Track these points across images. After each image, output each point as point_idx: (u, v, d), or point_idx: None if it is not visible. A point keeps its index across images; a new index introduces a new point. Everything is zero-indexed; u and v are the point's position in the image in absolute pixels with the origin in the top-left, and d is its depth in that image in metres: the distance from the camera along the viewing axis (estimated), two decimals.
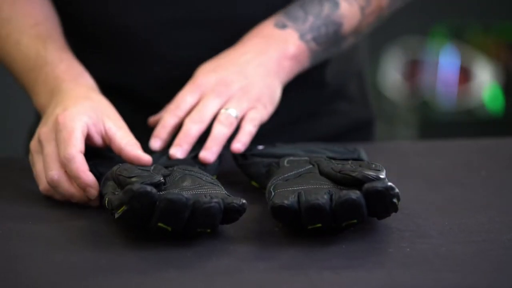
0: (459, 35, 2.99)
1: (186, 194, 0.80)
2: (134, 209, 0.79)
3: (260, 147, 0.99)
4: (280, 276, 0.74)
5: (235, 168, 0.98)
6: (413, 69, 3.01)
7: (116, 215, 0.80)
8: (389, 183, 0.80)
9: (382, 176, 0.82)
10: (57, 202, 0.93)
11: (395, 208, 0.81)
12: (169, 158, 0.96)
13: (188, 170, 0.90)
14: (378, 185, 0.80)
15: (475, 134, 2.81)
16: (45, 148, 0.92)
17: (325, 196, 0.80)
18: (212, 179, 0.90)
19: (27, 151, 1.23)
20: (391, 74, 3.03)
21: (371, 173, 0.83)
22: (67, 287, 0.73)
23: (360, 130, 1.22)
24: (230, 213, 0.81)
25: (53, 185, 0.91)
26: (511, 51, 2.98)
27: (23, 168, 1.05)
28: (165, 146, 0.97)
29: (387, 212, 0.82)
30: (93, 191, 0.89)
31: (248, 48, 1.03)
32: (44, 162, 0.92)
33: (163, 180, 0.85)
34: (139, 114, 1.11)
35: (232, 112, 0.97)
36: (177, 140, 0.96)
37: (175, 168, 0.90)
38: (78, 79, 1.01)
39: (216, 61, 1.03)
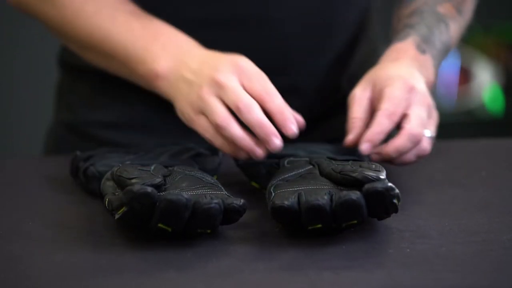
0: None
1: (186, 194, 0.80)
2: (134, 210, 0.79)
3: None
4: (280, 277, 0.74)
5: (235, 168, 0.98)
6: None
7: (116, 216, 0.80)
8: (389, 184, 0.80)
9: (382, 177, 0.83)
10: (57, 202, 0.93)
11: (395, 209, 0.81)
12: (172, 156, 0.96)
13: (188, 171, 0.90)
14: (378, 185, 0.80)
15: (475, 135, 2.81)
16: (229, 87, 0.91)
17: (325, 197, 0.80)
18: (212, 179, 0.90)
19: (46, 150, 1.23)
20: None
21: (371, 173, 0.83)
22: (67, 287, 0.73)
23: None
24: (230, 214, 0.81)
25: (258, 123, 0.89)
26: (511, 51, 2.98)
27: (23, 168, 1.05)
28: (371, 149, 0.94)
29: (387, 212, 0.82)
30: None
31: (411, 70, 1.01)
32: (235, 106, 0.90)
33: (163, 181, 0.85)
34: (162, 115, 1.11)
35: (428, 134, 0.96)
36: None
37: (175, 168, 0.90)
38: (198, 45, 1.01)
39: (402, 71, 0.99)
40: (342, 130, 1.18)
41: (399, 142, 0.93)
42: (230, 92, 0.91)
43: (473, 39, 2.99)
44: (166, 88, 0.99)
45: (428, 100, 0.97)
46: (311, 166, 0.90)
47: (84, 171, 0.94)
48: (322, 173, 0.88)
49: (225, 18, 1.10)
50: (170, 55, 0.99)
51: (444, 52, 1.08)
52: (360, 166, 0.86)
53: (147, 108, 1.10)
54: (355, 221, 0.80)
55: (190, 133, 0.99)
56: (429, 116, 0.97)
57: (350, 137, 0.95)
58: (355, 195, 0.79)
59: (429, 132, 0.96)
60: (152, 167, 0.89)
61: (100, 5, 1.05)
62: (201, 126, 0.94)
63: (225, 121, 0.91)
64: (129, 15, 1.04)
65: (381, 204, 0.80)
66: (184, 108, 0.95)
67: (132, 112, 1.15)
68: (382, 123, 0.93)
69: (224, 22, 1.10)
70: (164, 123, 1.09)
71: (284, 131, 0.90)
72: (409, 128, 0.93)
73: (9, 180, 1.02)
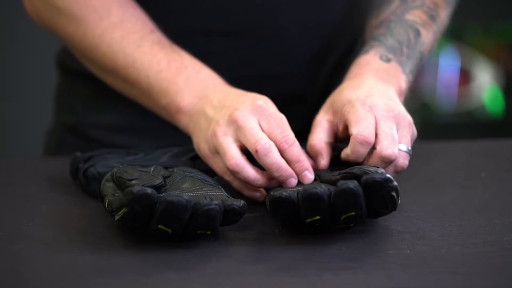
0: (459, 37, 2.99)
1: (186, 196, 0.80)
2: (134, 211, 0.79)
3: None
4: (280, 278, 0.74)
5: None
6: None
7: (116, 217, 0.80)
8: (388, 175, 0.80)
9: (380, 171, 0.83)
10: (57, 203, 0.93)
11: (393, 203, 0.81)
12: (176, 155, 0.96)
13: (188, 172, 0.90)
14: (376, 176, 0.80)
15: (475, 136, 2.81)
16: (248, 128, 0.89)
17: (324, 187, 0.80)
18: (212, 180, 0.90)
19: (46, 152, 1.23)
20: None
21: (370, 168, 0.83)
22: None
23: None
24: (230, 215, 0.81)
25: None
26: (511, 52, 2.98)
27: (23, 169, 1.05)
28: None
29: (386, 206, 0.81)
30: (309, 176, 0.89)
31: (377, 84, 0.99)
32: (251, 140, 0.89)
33: (163, 182, 0.85)
34: (160, 120, 1.12)
35: (404, 148, 0.94)
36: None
37: (175, 170, 0.90)
38: (221, 80, 1.00)
39: (359, 92, 0.97)
40: None
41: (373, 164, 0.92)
42: (248, 134, 0.89)
43: (473, 40, 2.99)
44: (186, 122, 0.98)
45: (394, 111, 0.94)
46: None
47: (84, 172, 0.94)
48: (322, 181, 0.88)
49: (226, 28, 1.10)
50: (194, 90, 0.98)
51: (417, 58, 1.06)
52: (359, 166, 0.86)
53: (146, 111, 1.10)
54: (353, 213, 0.80)
55: (189, 136, 0.99)
56: (400, 127, 0.94)
57: (323, 162, 0.92)
58: (352, 183, 0.79)
59: (404, 146, 0.93)
60: (152, 168, 0.89)
61: (126, 31, 1.03)
62: (217, 165, 0.93)
63: (238, 166, 0.89)
64: (155, 44, 1.03)
65: (380, 196, 0.80)
66: (201, 144, 0.94)
67: (132, 114, 1.15)
68: (357, 151, 0.90)
69: (225, 32, 1.10)
70: (163, 126, 1.09)
71: (301, 179, 0.89)
72: (379, 150, 0.90)
73: (10, 181, 1.02)
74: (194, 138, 0.96)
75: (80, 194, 0.96)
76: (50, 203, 0.94)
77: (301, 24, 1.11)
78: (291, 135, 0.90)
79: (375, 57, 1.03)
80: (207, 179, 0.89)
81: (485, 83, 2.97)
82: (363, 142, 0.89)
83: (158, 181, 0.84)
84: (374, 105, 0.93)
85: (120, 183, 0.84)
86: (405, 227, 0.85)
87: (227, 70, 1.06)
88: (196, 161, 0.96)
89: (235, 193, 0.90)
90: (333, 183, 0.86)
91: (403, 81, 1.03)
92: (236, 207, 0.81)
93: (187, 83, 0.99)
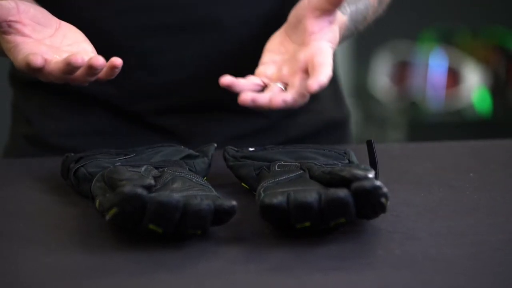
0: (447, 39, 3.00)
1: (176, 196, 0.80)
2: (125, 211, 0.79)
3: (251, 149, 0.99)
4: (271, 278, 0.74)
5: (225, 170, 0.98)
6: (402, 72, 3.03)
7: (107, 217, 0.80)
8: (378, 183, 0.81)
9: (370, 176, 0.83)
10: (48, 204, 0.93)
11: (383, 208, 0.82)
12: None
13: (179, 172, 0.90)
14: (366, 184, 0.80)
15: (463, 136, 2.82)
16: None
17: (314, 195, 0.80)
18: (202, 180, 0.90)
19: (5, 154, 1.23)
20: (381, 77, 3.05)
21: (359, 172, 0.83)
22: None
23: (335, 129, 1.23)
24: (221, 215, 0.81)
25: None
26: (499, 54, 3.00)
27: (13, 169, 1.05)
28: None
29: (375, 212, 0.82)
30: None
31: None
32: None
33: (153, 183, 0.85)
34: (120, 121, 1.12)
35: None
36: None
37: (165, 170, 0.90)
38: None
39: None
40: (301, 128, 1.19)
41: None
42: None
43: (462, 42, 3.00)
44: None
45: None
46: (301, 171, 0.90)
47: (75, 172, 0.94)
48: (312, 176, 0.88)
49: (178, 23, 1.10)
50: None
51: (358, 15, 1.07)
52: (349, 167, 0.86)
53: (103, 115, 1.10)
54: (343, 219, 0.80)
55: (150, 137, 0.99)
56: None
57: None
58: (342, 192, 0.79)
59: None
60: (143, 169, 0.90)
61: None
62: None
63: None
64: None
65: (369, 203, 0.80)
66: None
67: (92, 118, 1.15)
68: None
69: (177, 27, 1.10)
70: (122, 128, 1.08)
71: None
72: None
73: (0, 181, 1.02)
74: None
75: (71, 194, 0.96)
76: (41, 203, 0.94)
77: (250, 20, 1.11)
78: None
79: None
80: (197, 179, 0.89)
81: (474, 84, 2.98)
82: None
83: (149, 181, 0.84)
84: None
85: (111, 183, 0.85)
86: (394, 228, 0.85)
87: (179, 66, 1.06)
88: (187, 162, 0.96)
89: (226, 193, 0.91)
90: (322, 181, 0.86)
91: (340, 15, 1.02)
92: (227, 207, 0.81)
93: None
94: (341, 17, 1.01)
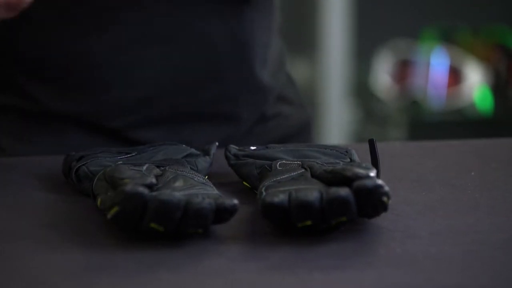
0: (449, 38, 3.00)
1: (178, 194, 0.80)
2: (126, 210, 0.79)
3: (253, 147, 1.00)
4: (271, 276, 0.75)
5: (226, 168, 0.98)
6: (403, 71, 3.02)
7: (108, 216, 0.80)
8: (379, 181, 0.81)
9: (371, 174, 0.83)
10: (49, 202, 0.93)
11: (384, 207, 0.82)
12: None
13: (180, 171, 0.90)
14: (368, 183, 0.80)
15: (464, 134, 2.82)
16: None
17: (315, 194, 0.80)
18: (203, 179, 0.90)
19: None
20: (382, 76, 3.04)
21: (361, 170, 0.83)
22: (59, 287, 0.73)
23: (303, 132, 1.25)
24: (222, 214, 0.81)
25: None
26: (500, 52, 2.99)
27: (16, 169, 1.05)
28: None
29: (376, 211, 0.82)
30: None
31: None
32: None
33: (155, 181, 0.85)
34: (96, 138, 1.12)
35: None
36: None
37: (167, 168, 0.91)
38: None
39: None
40: (274, 132, 1.20)
41: None
42: None
43: (463, 41, 3.00)
44: None
45: None
46: (303, 170, 0.90)
47: (76, 171, 0.94)
48: (314, 175, 0.88)
49: (154, 36, 1.10)
50: None
51: None
52: (351, 165, 0.86)
53: (79, 133, 1.10)
54: (344, 218, 0.80)
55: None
56: None
57: None
58: (344, 191, 0.79)
59: None
60: (144, 167, 0.90)
61: None
62: None
63: None
64: None
65: (370, 202, 0.81)
66: None
67: (62, 140, 1.14)
68: None
69: (153, 40, 1.10)
70: (100, 144, 1.08)
71: None
72: None
73: (1, 180, 1.02)
74: None
75: (73, 193, 0.96)
76: (42, 201, 0.94)
77: (225, 28, 1.12)
78: None
79: None
80: (199, 178, 0.89)
81: (475, 83, 2.98)
82: None
83: (150, 179, 0.84)
84: None
85: (112, 182, 0.85)
86: (395, 226, 0.85)
87: (154, 79, 1.06)
88: (189, 160, 0.96)
89: (227, 192, 0.91)
90: (324, 180, 0.86)
91: None
92: (228, 206, 0.81)
93: None
94: None
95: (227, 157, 0.98)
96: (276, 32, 1.21)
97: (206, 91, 1.11)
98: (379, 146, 0.94)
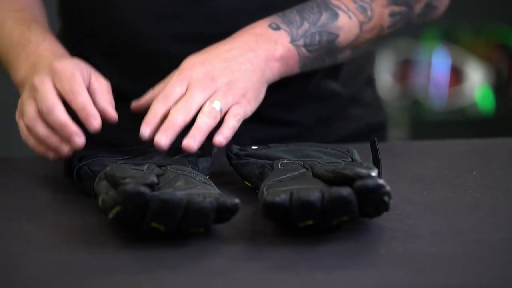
0: (450, 37, 3.00)
1: (179, 194, 0.80)
2: (127, 210, 0.79)
3: (254, 147, 1.00)
4: (272, 276, 0.75)
5: (228, 168, 0.98)
6: (405, 70, 3.02)
7: (110, 216, 0.80)
8: (381, 181, 0.81)
9: (373, 174, 0.83)
10: (51, 202, 0.93)
11: (386, 207, 0.82)
12: (163, 152, 0.96)
13: (181, 170, 0.90)
14: (369, 182, 0.80)
15: (466, 134, 2.82)
16: (40, 89, 0.95)
17: (316, 193, 0.80)
18: (205, 179, 0.90)
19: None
20: (384, 75, 3.04)
21: (362, 170, 0.83)
22: (60, 286, 0.73)
23: (373, 134, 1.23)
24: (223, 213, 0.81)
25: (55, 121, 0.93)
26: (501, 52, 2.99)
27: (17, 168, 1.05)
28: (153, 133, 0.97)
29: (378, 210, 0.82)
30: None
31: (237, 44, 1.04)
32: (41, 101, 0.94)
33: (156, 181, 0.85)
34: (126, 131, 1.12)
35: (216, 105, 0.98)
36: (163, 129, 0.96)
37: (168, 168, 0.91)
38: (62, 56, 1.02)
39: (204, 54, 1.03)
40: (338, 133, 1.19)
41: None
42: (39, 95, 0.95)
43: (464, 40, 3.00)
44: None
45: (210, 76, 0.99)
46: (304, 169, 0.90)
47: (77, 171, 0.95)
48: (315, 175, 0.88)
49: (212, 32, 1.10)
50: (28, 64, 1.02)
51: (325, 39, 1.07)
52: (352, 165, 0.86)
53: (126, 116, 1.11)
54: (346, 218, 0.80)
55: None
56: (217, 89, 0.98)
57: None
58: (345, 191, 0.79)
59: (209, 105, 0.98)
60: (146, 167, 0.90)
61: None
62: (20, 127, 0.97)
63: (31, 122, 0.95)
64: (14, 23, 1.07)
65: (372, 202, 0.81)
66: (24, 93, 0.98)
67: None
68: (155, 108, 0.96)
69: (211, 36, 1.10)
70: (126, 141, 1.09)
71: (87, 126, 0.94)
72: (174, 108, 0.97)
73: (3, 179, 1.02)
74: None
75: (74, 192, 0.96)
76: (44, 201, 0.94)
77: (239, 9, 1.11)
78: (78, 87, 0.94)
79: (263, 24, 1.06)
80: (200, 178, 0.89)
81: (476, 83, 2.98)
82: (162, 100, 0.97)
83: (152, 179, 0.84)
84: (188, 72, 0.99)
85: (114, 182, 0.85)
86: (396, 226, 0.85)
87: None
88: (190, 160, 0.96)
89: (229, 191, 0.91)
90: (325, 180, 0.86)
91: (281, 47, 1.04)
92: (229, 205, 0.81)
93: (25, 59, 1.03)
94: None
95: (228, 157, 0.98)
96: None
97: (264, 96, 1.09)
98: (381, 145, 0.94)
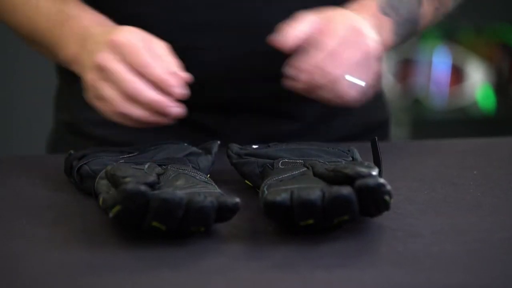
0: (451, 37, 3.00)
1: (180, 193, 0.80)
2: (128, 209, 0.79)
3: (255, 146, 1.00)
4: (273, 275, 0.75)
5: (228, 167, 0.98)
6: (406, 70, 3.02)
7: (110, 215, 0.80)
8: (381, 180, 0.81)
9: (374, 173, 0.83)
10: (51, 201, 0.93)
11: (386, 206, 0.82)
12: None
13: (182, 169, 0.90)
14: (370, 181, 0.80)
15: (467, 134, 2.82)
16: (112, 70, 0.93)
17: (317, 192, 0.80)
18: (205, 178, 0.90)
19: (47, 150, 1.23)
20: (384, 75, 3.04)
21: (363, 169, 0.83)
22: (61, 286, 0.73)
23: (377, 130, 1.23)
24: (224, 212, 0.81)
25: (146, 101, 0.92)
26: (502, 51, 2.99)
27: (18, 168, 1.05)
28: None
29: (378, 210, 0.82)
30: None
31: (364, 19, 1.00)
32: (119, 83, 0.93)
33: (157, 180, 0.85)
34: None
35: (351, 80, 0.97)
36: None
37: (169, 167, 0.91)
38: (106, 23, 1.01)
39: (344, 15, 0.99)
40: (341, 129, 1.19)
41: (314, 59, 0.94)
42: (115, 77, 0.93)
43: (465, 40, 3.00)
44: (79, 71, 0.99)
45: (368, 48, 0.96)
46: (305, 169, 0.90)
47: (78, 170, 0.95)
48: (316, 174, 0.88)
49: (222, 22, 1.10)
50: (76, 40, 1.00)
51: (411, 25, 1.07)
52: (353, 164, 0.86)
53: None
54: (347, 217, 0.80)
55: (186, 130, 0.99)
56: (364, 63, 0.96)
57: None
58: (346, 190, 0.79)
59: (351, 77, 0.96)
60: (146, 166, 0.90)
61: None
62: (103, 110, 0.96)
63: (123, 108, 0.94)
64: (49, 1, 1.05)
65: (373, 201, 0.81)
66: (88, 93, 0.97)
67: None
68: (314, 56, 0.94)
69: (221, 26, 1.10)
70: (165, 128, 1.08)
71: (172, 95, 0.93)
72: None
73: (3, 179, 1.02)
74: (84, 86, 0.98)
75: (74, 191, 0.96)
76: (44, 200, 0.94)
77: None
78: (145, 59, 0.93)
79: (374, 5, 1.04)
80: (201, 177, 0.89)
81: (477, 82, 2.98)
82: (327, 55, 0.94)
83: (152, 178, 0.84)
84: (360, 31, 0.96)
85: (114, 181, 0.85)
86: (397, 225, 0.85)
87: (217, 64, 1.06)
88: (191, 159, 0.96)
89: (229, 190, 0.91)
90: (326, 179, 0.86)
91: (389, 39, 1.04)
92: (230, 204, 0.81)
93: (71, 33, 1.01)
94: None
95: (228, 156, 0.98)
96: None
97: (266, 87, 1.09)
98: (381, 145, 0.94)
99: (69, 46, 1.01)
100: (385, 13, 1.04)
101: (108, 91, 0.94)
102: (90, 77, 0.95)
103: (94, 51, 0.95)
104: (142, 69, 0.93)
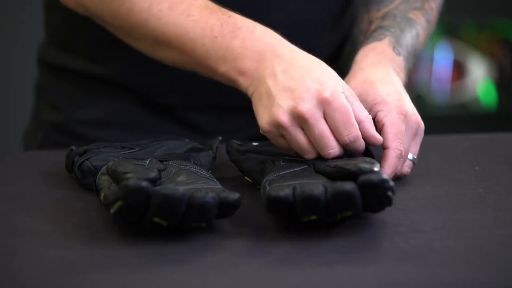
0: (453, 32, 2.99)
1: (181, 189, 0.80)
2: (129, 205, 0.79)
3: (255, 143, 0.99)
4: (275, 271, 0.75)
5: (230, 163, 0.98)
6: None
7: (112, 210, 0.80)
8: (384, 176, 0.81)
9: (376, 169, 0.83)
10: (53, 197, 0.93)
11: (389, 202, 0.82)
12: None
13: (183, 165, 0.90)
14: (373, 177, 0.80)
15: (468, 129, 2.82)
16: (316, 127, 0.90)
17: (320, 188, 0.80)
18: (207, 174, 0.90)
19: (25, 147, 1.23)
20: None
21: (365, 165, 0.83)
22: (63, 282, 0.73)
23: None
24: (225, 208, 0.81)
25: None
26: (504, 47, 2.99)
27: (18, 163, 1.05)
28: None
29: (381, 205, 0.82)
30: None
31: (395, 77, 1.02)
32: (318, 140, 0.91)
33: (158, 176, 0.85)
34: (148, 113, 1.11)
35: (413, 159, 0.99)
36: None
37: (170, 163, 0.90)
38: (284, 41, 0.97)
39: (390, 90, 1.00)
40: None
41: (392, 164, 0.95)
42: (317, 136, 0.91)
43: (467, 35, 2.99)
44: (247, 86, 0.96)
45: (417, 122, 0.99)
46: (306, 165, 0.90)
47: (79, 166, 0.94)
48: (317, 170, 0.88)
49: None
50: (252, 53, 0.96)
51: (414, 57, 1.09)
52: (354, 160, 0.86)
53: (131, 105, 1.10)
54: (350, 213, 0.80)
55: (175, 130, 0.99)
56: (416, 138, 0.99)
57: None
58: (349, 185, 0.79)
59: (411, 155, 0.98)
60: (147, 162, 0.90)
61: (172, 1, 1.00)
62: (282, 145, 0.94)
63: (308, 154, 0.92)
64: (204, 10, 1.00)
65: (376, 196, 0.80)
66: (263, 121, 0.93)
67: (117, 109, 1.15)
68: (394, 164, 0.95)
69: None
70: (149, 120, 1.08)
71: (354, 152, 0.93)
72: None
73: (5, 175, 1.02)
74: (255, 109, 0.94)
75: (76, 187, 0.96)
76: (46, 196, 0.94)
77: (294, 21, 1.11)
78: (354, 132, 0.91)
79: (389, 47, 1.05)
80: (202, 172, 0.89)
81: (479, 78, 2.98)
82: (400, 157, 0.94)
83: (153, 174, 0.84)
84: (407, 113, 0.97)
85: (115, 177, 0.85)
86: (399, 221, 0.85)
87: None
88: (192, 155, 0.96)
89: (231, 186, 0.91)
90: (327, 175, 0.86)
91: (404, 77, 1.05)
92: (231, 200, 0.81)
93: (243, 46, 0.96)
94: (399, 61, 1.04)
95: (228, 152, 0.98)
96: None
97: None
98: None
99: (243, 60, 0.96)
100: (398, 53, 1.05)
101: (297, 137, 0.92)
102: (281, 118, 0.91)
103: (295, 94, 0.91)
104: (338, 128, 0.91)
